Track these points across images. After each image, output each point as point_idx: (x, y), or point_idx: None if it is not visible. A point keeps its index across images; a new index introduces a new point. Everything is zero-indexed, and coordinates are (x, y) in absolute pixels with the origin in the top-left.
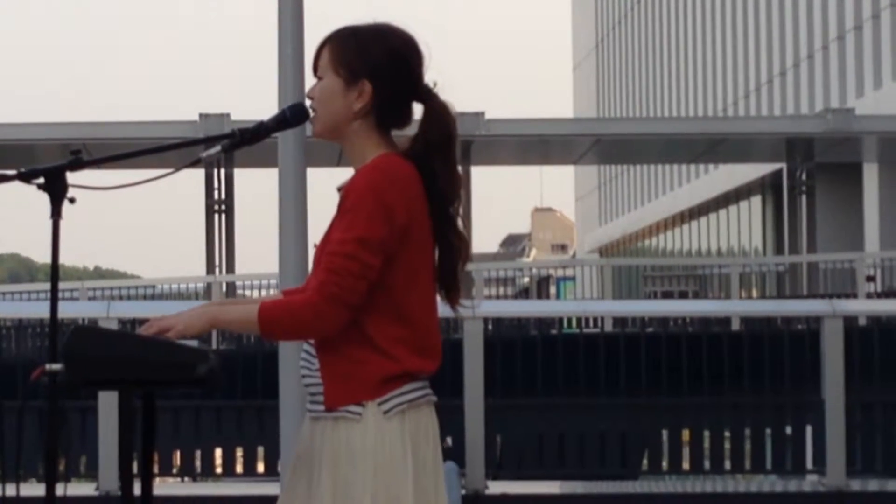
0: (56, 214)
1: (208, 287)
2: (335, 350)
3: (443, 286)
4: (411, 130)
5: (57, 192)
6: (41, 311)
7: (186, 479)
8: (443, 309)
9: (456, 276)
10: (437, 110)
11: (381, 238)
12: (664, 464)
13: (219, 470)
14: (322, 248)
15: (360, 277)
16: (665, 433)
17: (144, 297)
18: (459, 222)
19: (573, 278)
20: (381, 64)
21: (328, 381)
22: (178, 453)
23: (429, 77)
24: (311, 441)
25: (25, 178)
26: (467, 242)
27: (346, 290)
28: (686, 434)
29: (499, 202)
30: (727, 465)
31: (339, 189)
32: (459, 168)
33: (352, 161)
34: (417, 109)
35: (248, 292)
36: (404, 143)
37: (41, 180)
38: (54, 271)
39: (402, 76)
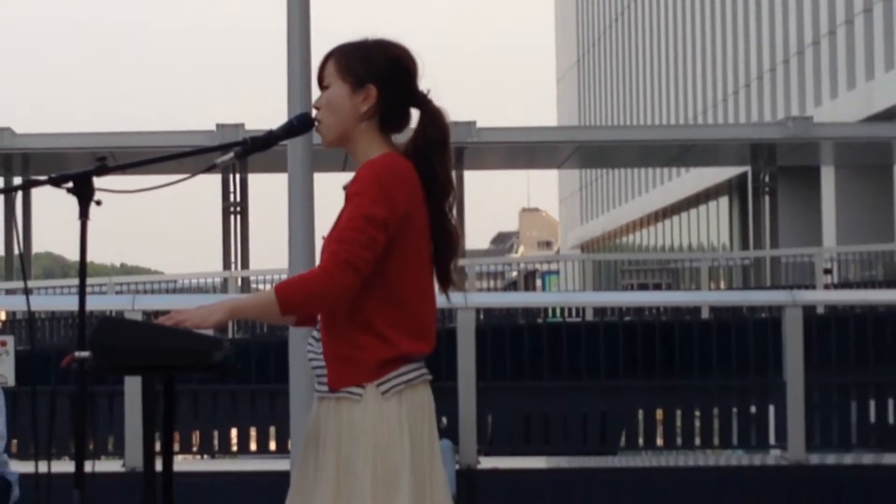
0: (84, 216)
1: (225, 281)
2: (338, 335)
3: (437, 275)
4: (406, 136)
5: (84, 195)
6: (72, 304)
7: (205, 456)
8: (439, 299)
9: (449, 265)
10: (434, 113)
11: (384, 218)
12: (640, 440)
13: (234, 448)
14: (330, 237)
15: (368, 248)
16: (641, 412)
17: (167, 291)
18: (453, 216)
19: (557, 272)
20: (383, 70)
21: (331, 365)
22: (198, 433)
23: (423, 85)
24: (317, 419)
25: (56, 182)
26: (459, 234)
27: (356, 257)
28: (660, 413)
29: (489, 203)
30: (697, 441)
31: (345, 188)
32: (453, 173)
33: (357, 162)
34: (414, 116)
35: (261, 286)
36: (403, 144)
37: (70, 185)
38: (82, 268)
39: (403, 81)
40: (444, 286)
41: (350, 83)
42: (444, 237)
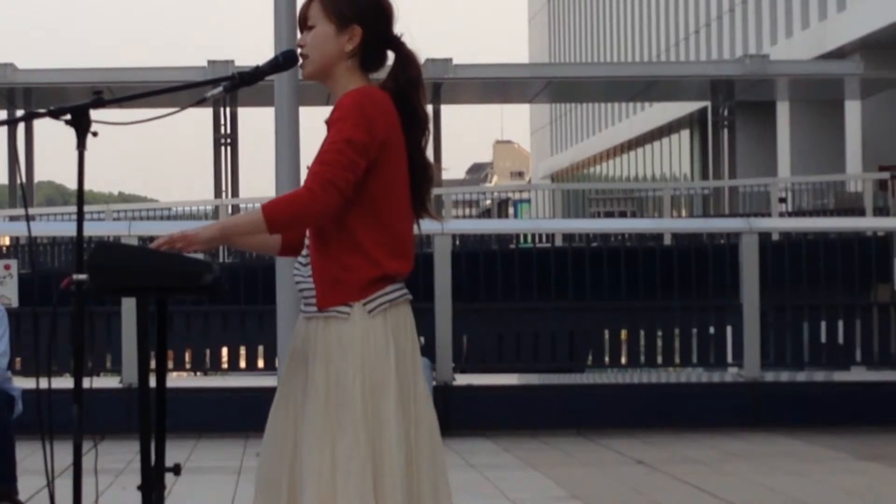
0: (81, 146)
1: (216, 209)
2: (328, 257)
3: (414, 206)
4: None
5: (82, 127)
6: (72, 229)
7: (197, 373)
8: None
9: (425, 196)
10: (408, 55)
11: (364, 142)
12: (606, 358)
13: (225, 365)
14: (314, 161)
15: (348, 169)
16: (607, 332)
17: (161, 218)
18: (428, 152)
19: (529, 201)
20: (367, 11)
21: (320, 286)
22: (190, 351)
23: (396, 28)
24: (305, 337)
25: (55, 114)
26: (433, 168)
27: (338, 178)
28: (624, 333)
29: (465, 135)
30: (659, 359)
31: (327, 122)
32: (430, 106)
33: (335, 97)
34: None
35: None
36: (380, 82)
37: (68, 117)
38: (80, 195)
39: (383, 24)
40: (420, 216)
41: (335, 23)
42: (420, 170)
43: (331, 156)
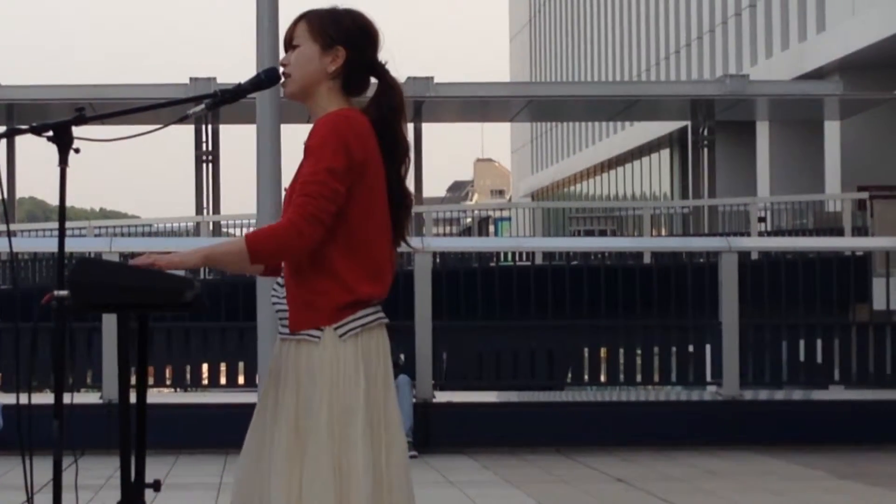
0: (63, 163)
1: (197, 225)
2: (301, 280)
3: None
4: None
5: (64, 143)
6: (53, 245)
7: (178, 389)
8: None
9: (401, 224)
10: (391, 83)
11: (345, 168)
12: (585, 376)
13: (205, 382)
14: (292, 188)
15: (331, 200)
16: (586, 350)
17: (142, 234)
18: (409, 171)
19: (509, 219)
20: (352, 34)
21: (293, 308)
22: (171, 367)
23: (381, 56)
24: (278, 359)
25: (36, 131)
26: (412, 196)
27: (321, 210)
28: (604, 351)
29: (446, 154)
30: (638, 377)
31: (304, 145)
32: (411, 125)
33: (314, 117)
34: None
35: (231, 230)
36: (362, 108)
37: (50, 133)
38: (62, 212)
39: (368, 48)
40: (396, 244)
41: (321, 43)
42: (399, 199)
43: (314, 188)
